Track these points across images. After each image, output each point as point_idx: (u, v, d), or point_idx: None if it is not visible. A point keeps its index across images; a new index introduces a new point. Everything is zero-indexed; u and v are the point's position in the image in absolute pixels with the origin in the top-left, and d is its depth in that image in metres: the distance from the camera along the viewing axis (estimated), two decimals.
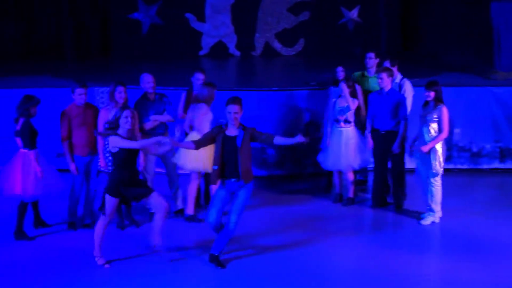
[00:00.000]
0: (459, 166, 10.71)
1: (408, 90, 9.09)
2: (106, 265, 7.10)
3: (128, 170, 7.05)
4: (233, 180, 7.03)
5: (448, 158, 10.33)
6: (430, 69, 12.07)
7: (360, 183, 9.64)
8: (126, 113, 7.02)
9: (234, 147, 6.97)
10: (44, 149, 8.08)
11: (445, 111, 8.15)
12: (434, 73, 11.33)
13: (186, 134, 8.53)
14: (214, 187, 7.40)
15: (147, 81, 8.40)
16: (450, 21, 14.01)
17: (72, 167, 7.99)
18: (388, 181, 9.09)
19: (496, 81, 11.08)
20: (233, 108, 6.96)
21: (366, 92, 9.24)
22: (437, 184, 8.26)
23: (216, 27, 15.48)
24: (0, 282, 6.78)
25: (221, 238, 7.11)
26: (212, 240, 7.18)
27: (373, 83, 9.31)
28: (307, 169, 10.53)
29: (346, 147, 8.87)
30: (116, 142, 6.92)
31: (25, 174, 7.69)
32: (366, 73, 9.49)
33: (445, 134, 8.16)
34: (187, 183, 8.50)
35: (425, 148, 8.15)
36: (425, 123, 8.23)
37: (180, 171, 8.75)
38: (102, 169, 8.13)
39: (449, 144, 10.32)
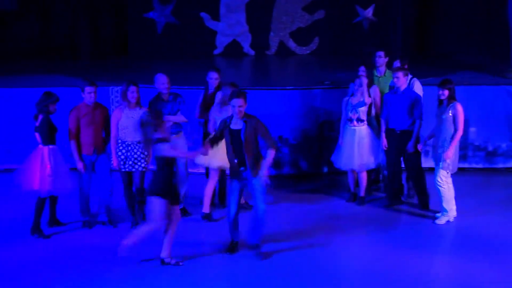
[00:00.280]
0: (474, 166, 10.66)
1: (418, 89, 9.03)
2: (180, 263, 7.10)
3: (173, 171, 7.06)
4: (241, 169, 7.18)
5: (463, 157, 10.30)
6: (445, 68, 12.01)
7: (374, 182, 9.62)
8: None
9: (239, 140, 7.13)
10: (60, 147, 8.13)
11: (459, 108, 8.13)
12: (449, 72, 11.27)
13: (207, 135, 8.55)
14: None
15: (162, 82, 8.42)
16: (465, 20, 13.95)
17: (80, 165, 8.03)
18: (402, 181, 9.05)
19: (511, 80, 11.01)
20: (238, 102, 7.11)
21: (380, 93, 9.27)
22: (445, 183, 8.22)
23: (231, 26, 15.49)
24: (14, 278, 6.85)
25: (257, 228, 7.31)
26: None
27: (382, 82, 9.31)
28: (321, 168, 10.52)
29: (360, 146, 8.85)
30: (166, 151, 6.90)
31: (43, 170, 7.79)
32: (375, 72, 9.47)
33: (460, 131, 8.13)
34: (197, 183, 8.50)
35: (450, 154, 8.11)
36: (441, 122, 8.21)
37: (191, 171, 8.79)
38: (114, 168, 8.19)
39: (464, 143, 10.28)
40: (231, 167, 7.31)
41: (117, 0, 15.51)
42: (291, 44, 15.66)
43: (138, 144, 8.08)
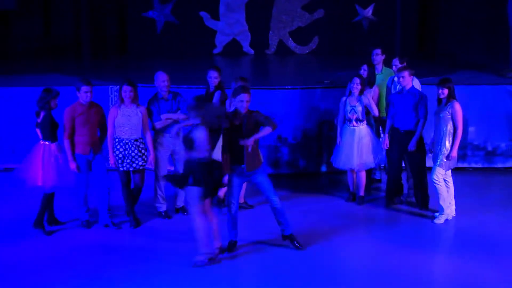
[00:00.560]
0: (473, 165, 10.66)
1: (416, 88, 9.03)
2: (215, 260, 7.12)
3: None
4: (242, 166, 7.19)
5: (462, 157, 10.30)
6: (445, 68, 12.01)
7: (374, 182, 9.62)
8: None
9: (241, 135, 7.14)
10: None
11: (458, 107, 8.13)
12: (449, 72, 11.27)
13: None
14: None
15: (162, 80, 8.41)
16: (465, 19, 13.96)
17: (73, 165, 7.99)
18: (402, 181, 9.05)
19: (511, 80, 11.00)
20: (245, 97, 7.16)
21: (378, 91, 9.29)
22: (441, 181, 8.21)
23: (230, 25, 15.51)
24: (16, 276, 6.85)
25: (281, 219, 7.40)
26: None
27: (379, 79, 9.32)
28: (320, 168, 10.53)
29: (359, 145, 8.84)
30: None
31: (46, 165, 7.83)
32: (373, 70, 9.47)
33: (460, 130, 8.14)
34: None
35: (454, 153, 8.11)
36: (439, 120, 8.22)
37: None
38: (111, 167, 8.19)
39: (463, 143, 10.27)
40: (231, 164, 7.27)
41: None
42: (291, 43, 15.66)
43: (135, 142, 8.10)
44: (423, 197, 8.74)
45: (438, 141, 8.24)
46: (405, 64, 8.96)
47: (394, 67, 9.12)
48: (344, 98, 8.94)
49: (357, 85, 8.78)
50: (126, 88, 8.08)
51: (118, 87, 8.33)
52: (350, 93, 8.88)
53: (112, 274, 6.92)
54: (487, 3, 13.69)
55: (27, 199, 8.87)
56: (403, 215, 8.69)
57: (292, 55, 15.49)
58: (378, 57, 9.42)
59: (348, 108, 8.85)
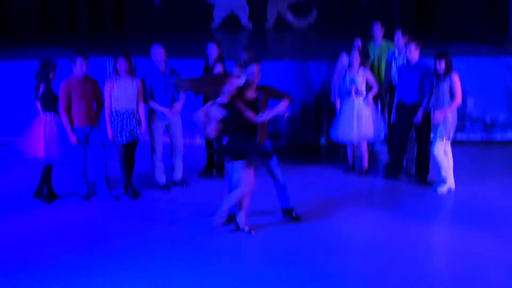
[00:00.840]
0: (472, 137, 10.67)
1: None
2: (253, 232, 7.16)
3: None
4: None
5: (461, 129, 10.31)
6: (444, 40, 11.96)
7: (373, 154, 9.63)
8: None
9: (256, 110, 7.07)
10: None
11: (456, 79, 8.12)
12: (448, 44, 11.23)
13: None
14: None
15: (159, 53, 8.38)
16: None
17: (73, 138, 7.99)
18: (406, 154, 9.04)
19: (511, 52, 10.96)
20: (256, 68, 7.06)
21: (373, 63, 9.26)
22: (442, 153, 8.23)
23: None
24: (14, 248, 6.89)
25: (283, 193, 7.46)
26: None
27: (378, 52, 9.31)
28: (319, 140, 10.53)
29: (358, 118, 8.83)
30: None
31: (47, 137, 7.89)
32: (372, 44, 9.44)
33: (458, 100, 8.13)
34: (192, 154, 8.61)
35: (439, 116, 8.12)
36: (438, 93, 8.20)
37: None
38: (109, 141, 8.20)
39: (462, 115, 10.27)
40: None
41: None
42: (289, 17, 15.58)
43: (132, 113, 8.12)
44: (424, 170, 8.75)
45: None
46: (400, 35, 8.93)
47: (395, 38, 9.05)
48: (343, 70, 8.92)
49: (356, 57, 8.75)
50: (121, 61, 8.05)
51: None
52: (350, 65, 8.86)
53: (111, 245, 6.97)
54: None
55: (26, 172, 8.90)
56: (403, 186, 8.72)
57: (291, 29, 15.41)
58: (378, 31, 9.37)
59: (348, 80, 8.83)
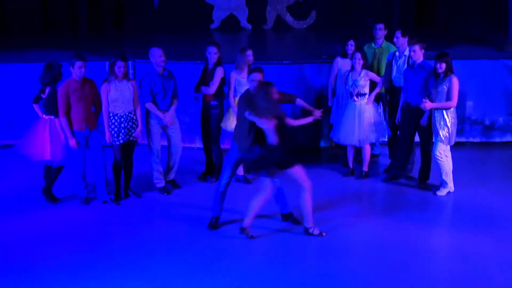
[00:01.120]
0: (471, 140, 10.68)
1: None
2: (323, 234, 7.21)
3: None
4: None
5: (460, 131, 10.30)
6: (444, 41, 11.96)
7: (372, 157, 9.63)
8: None
9: None
10: None
11: (455, 81, 8.13)
12: (448, 45, 11.23)
13: (205, 109, 8.76)
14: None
15: (158, 55, 8.36)
16: None
17: (72, 142, 7.99)
18: (411, 156, 9.02)
19: (510, 54, 10.96)
20: (257, 76, 7.21)
21: (373, 64, 9.26)
22: (443, 156, 8.25)
23: (228, 0, 15.40)
24: (13, 252, 6.89)
25: (280, 198, 7.49)
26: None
27: (379, 53, 9.32)
28: (319, 143, 10.52)
29: (360, 120, 8.83)
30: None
31: (53, 139, 7.93)
32: (373, 45, 9.44)
33: (453, 103, 8.14)
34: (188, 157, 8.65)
35: (428, 104, 8.12)
36: (437, 94, 8.21)
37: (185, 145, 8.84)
38: (108, 143, 8.20)
39: (461, 117, 10.28)
40: (245, 142, 7.25)
41: None
42: (288, 18, 15.58)
43: (129, 115, 8.13)
44: (425, 173, 8.76)
45: (438, 116, 8.23)
46: (400, 36, 8.93)
47: (395, 38, 9.06)
48: (346, 72, 8.94)
49: (359, 60, 8.76)
50: (120, 64, 8.05)
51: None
52: (352, 68, 8.87)
53: (111, 247, 6.99)
54: None
55: (24, 174, 8.92)
56: (403, 189, 8.72)
57: (290, 30, 15.41)
58: (381, 31, 9.37)
59: (350, 82, 8.85)
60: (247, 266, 6.64)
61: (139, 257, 6.80)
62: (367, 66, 8.96)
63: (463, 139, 10.51)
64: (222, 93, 8.84)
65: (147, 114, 8.47)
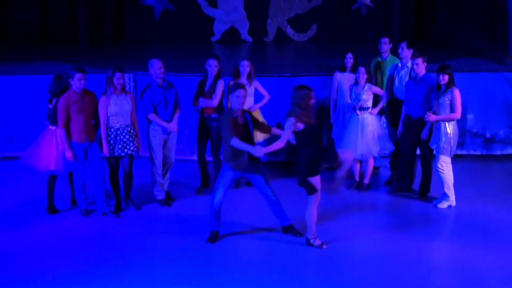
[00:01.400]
0: (472, 152, 10.67)
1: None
2: (324, 246, 7.21)
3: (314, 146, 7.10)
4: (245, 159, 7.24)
5: (461, 144, 10.29)
6: (444, 55, 11.98)
7: (374, 169, 9.62)
8: None
9: (248, 131, 7.20)
10: None
11: (457, 93, 8.14)
12: (448, 58, 11.24)
13: (202, 121, 8.78)
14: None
15: (158, 67, 8.37)
16: (464, 5, 13.89)
17: (69, 154, 7.98)
18: (414, 169, 9.00)
19: (510, 67, 10.97)
20: (242, 93, 7.21)
21: (377, 77, 9.28)
22: (445, 169, 8.24)
23: (228, 13, 15.43)
24: (12, 265, 6.86)
25: (278, 211, 7.52)
26: None
27: (384, 67, 9.30)
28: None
29: (363, 134, 8.83)
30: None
31: (59, 149, 7.99)
32: (379, 59, 9.45)
33: (457, 115, 8.15)
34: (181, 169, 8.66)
35: (432, 117, 8.12)
36: (438, 107, 8.21)
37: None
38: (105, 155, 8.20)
39: (462, 130, 10.27)
40: (240, 160, 7.24)
41: None
42: (289, 31, 15.60)
43: (126, 128, 8.13)
44: (426, 186, 8.74)
45: (438, 128, 8.23)
46: (405, 48, 8.94)
47: (400, 49, 9.05)
48: (351, 86, 8.96)
49: (363, 74, 8.78)
50: (118, 75, 8.06)
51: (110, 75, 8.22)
52: (356, 82, 8.87)
53: (108, 262, 6.96)
54: None
55: (24, 187, 8.90)
56: (404, 201, 8.71)
57: (291, 43, 15.44)
58: (386, 45, 9.38)
59: (353, 96, 8.85)
60: (247, 279, 6.61)
61: (138, 269, 6.78)
62: (371, 80, 8.97)
63: (464, 152, 10.51)
64: (222, 106, 8.86)
65: (148, 126, 8.46)
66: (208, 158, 9.04)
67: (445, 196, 8.39)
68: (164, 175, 8.62)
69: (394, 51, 9.36)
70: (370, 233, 7.70)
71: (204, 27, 15.37)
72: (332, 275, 6.65)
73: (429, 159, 8.67)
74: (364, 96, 8.79)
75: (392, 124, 9.19)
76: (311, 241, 7.24)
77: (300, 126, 6.93)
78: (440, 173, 8.29)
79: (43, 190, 8.34)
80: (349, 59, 9.25)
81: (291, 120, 6.92)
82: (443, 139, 8.20)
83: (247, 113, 7.34)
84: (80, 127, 7.98)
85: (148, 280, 6.56)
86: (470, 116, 10.52)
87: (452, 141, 8.22)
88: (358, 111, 8.84)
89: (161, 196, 8.59)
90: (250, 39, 15.53)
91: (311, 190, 7.06)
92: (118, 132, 8.11)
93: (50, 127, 8.08)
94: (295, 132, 7.01)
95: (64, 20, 15.02)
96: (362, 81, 8.81)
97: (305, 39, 15.60)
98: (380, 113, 9.19)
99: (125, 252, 7.18)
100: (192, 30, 15.23)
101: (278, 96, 10.26)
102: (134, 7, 15.31)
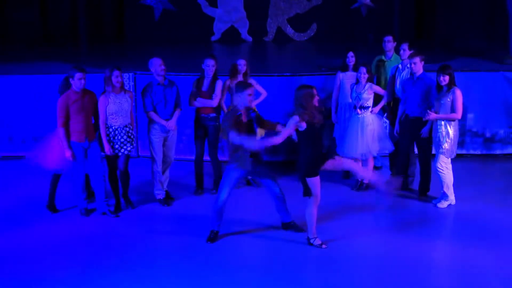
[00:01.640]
0: (472, 152, 10.67)
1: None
2: (324, 246, 7.21)
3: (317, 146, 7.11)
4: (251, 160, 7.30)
5: (461, 144, 10.29)
6: (444, 54, 11.99)
7: (375, 168, 9.63)
8: None
9: (251, 130, 7.22)
10: None
11: (458, 93, 8.14)
12: (448, 58, 11.25)
13: (198, 121, 8.74)
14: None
15: (158, 65, 8.38)
16: (464, 5, 13.90)
17: (68, 153, 7.98)
18: (410, 167, 9.01)
19: (510, 66, 10.97)
20: (252, 91, 7.29)
21: (381, 76, 9.27)
22: (445, 169, 8.24)
23: (228, 13, 15.44)
24: (12, 265, 6.86)
25: (282, 207, 7.54)
26: None
27: (389, 66, 9.30)
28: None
29: (363, 133, 8.83)
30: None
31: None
32: (383, 57, 9.44)
33: (458, 115, 8.15)
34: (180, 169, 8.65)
35: (432, 116, 8.12)
36: (440, 107, 8.21)
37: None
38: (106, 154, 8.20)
39: (462, 130, 10.27)
40: (243, 157, 7.27)
41: None
42: (289, 30, 15.61)
43: (125, 128, 8.13)
44: (425, 185, 8.74)
45: (439, 128, 8.23)
46: (407, 48, 8.94)
47: (402, 51, 9.05)
48: (351, 85, 8.95)
49: (364, 74, 8.77)
50: (116, 73, 8.06)
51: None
52: (357, 82, 8.87)
53: (107, 262, 6.95)
54: None
55: (24, 187, 8.90)
56: (404, 201, 8.70)
57: (291, 42, 15.44)
58: (390, 44, 9.36)
59: (354, 95, 8.85)
60: (247, 278, 6.61)
61: (138, 269, 6.77)
62: (372, 80, 8.97)
63: (464, 151, 10.50)
64: (219, 106, 8.87)
65: (149, 124, 8.47)
66: (206, 158, 9.03)
67: (444, 196, 8.40)
68: (163, 172, 8.61)
69: (397, 50, 9.35)
70: (370, 233, 7.69)
71: (204, 26, 15.38)
72: (332, 275, 6.65)
73: (428, 158, 8.67)
74: (364, 95, 8.79)
75: (393, 124, 9.19)
76: (311, 241, 7.25)
77: (303, 125, 6.94)
78: (440, 173, 8.29)
79: (42, 190, 8.34)
80: (351, 57, 9.24)
81: (295, 118, 6.93)
82: (444, 140, 8.20)
83: (253, 111, 7.34)
84: (79, 127, 7.98)
85: (148, 280, 6.55)
86: (470, 116, 10.52)
87: (453, 142, 8.21)
88: (358, 110, 8.84)
89: (161, 195, 8.59)
90: (250, 38, 15.54)
91: (307, 191, 7.06)
92: (116, 132, 8.11)
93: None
94: (297, 132, 7.01)
95: (64, 20, 15.03)
96: (363, 80, 8.80)
97: (305, 38, 15.60)
98: (383, 111, 9.18)
99: (125, 252, 7.18)
100: (192, 29, 15.24)
101: (278, 96, 10.28)
102: (134, 7, 15.32)
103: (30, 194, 8.80)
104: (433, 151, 8.52)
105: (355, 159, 8.97)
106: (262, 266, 6.93)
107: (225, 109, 8.94)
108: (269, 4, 15.53)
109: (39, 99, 10.40)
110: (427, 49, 12.43)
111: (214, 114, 8.81)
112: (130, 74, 10.37)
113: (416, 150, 8.94)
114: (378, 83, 9.30)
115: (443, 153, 8.22)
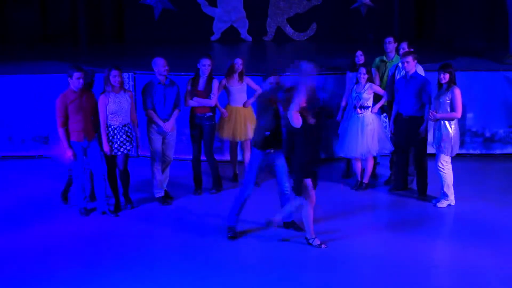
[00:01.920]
0: (471, 151, 10.67)
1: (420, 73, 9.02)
2: (323, 246, 7.22)
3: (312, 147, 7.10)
4: (273, 151, 7.30)
5: (461, 143, 10.25)
6: (444, 54, 11.99)
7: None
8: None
9: (279, 119, 7.27)
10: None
11: (457, 93, 8.14)
12: (448, 58, 11.24)
13: (193, 119, 8.80)
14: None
15: (162, 65, 8.37)
16: (464, 5, 13.90)
17: (69, 153, 7.99)
18: (408, 167, 9.01)
19: (510, 66, 10.98)
20: (275, 79, 7.47)
21: (383, 76, 9.26)
22: (446, 168, 8.25)
23: (228, 12, 15.45)
24: (12, 264, 6.87)
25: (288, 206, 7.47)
26: None
27: (390, 67, 9.29)
28: (321, 155, 10.50)
29: (363, 133, 8.83)
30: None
31: None
32: (385, 58, 9.45)
33: (458, 114, 8.15)
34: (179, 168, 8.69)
35: (434, 116, 8.13)
36: (439, 106, 8.22)
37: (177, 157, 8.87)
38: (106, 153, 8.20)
39: (462, 129, 10.27)
40: (260, 132, 7.30)
41: None
42: (289, 30, 15.61)
43: (124, 127, 8.13)
44: (423, 184, 8.75)
45: (439, 127, 8.24)
46: (406, 48, 8.94)
47: (401, 50, 9.05)
48: (352, 86, 8.94)
49: (363, 74, 8.77)
50: (115, 73, 8.05)
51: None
52: (357, 82, 8.88)
53: (107, 262, 6.95)
54: None
55: (24, 187, 8.91)
56: (403, 200, 8.71)
57: (290, 42, 15.45)
58: (391, 45, 9.35)
59: (354, 94, 8.86)
60: (247, 278, 6.61)
61: (137, 269, 6.77)
62: (373, 80, 8.97)
63: (463, 151, 10.50)
64: (215, 105, 8.88)
65: (148, 123, 8.48)
66: (203, 157, 9.02)
67: (444, 195, 8.40)
68: (163, 172, 8.61)
69: (398, 51, 9.35)
70: (369, 233, 7.69)
71: (203, 26, 15.38)
72: (332, 275, 6.65)
73: (423, 157, 8.68)
74: (364, 95, 8.79)
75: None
76: (311, 241, 7.25)
77: (298, 120, 6.91)
78: (440, 172, 8.30)
79: (42, 190, 8.34)
80: (360, 56, 9.19)
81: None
82: (444, 138, 8.21)
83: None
84: (78, 126, 7.98)
85: (148, 279, 6.55)
86: (469, 116, 10.52)
87: (453, 141, 8.22)
88: (358, 110, 8.85)
89: (160, 193, 8.58)
90: (249, 38, 15.55)
91: (299, 191, 7.06)
92: (115, 131, 8.11)
93: None
94: (294, 131, 6.99)
95: (64, 20, 15.04)
96: (363, 81, 8.80)
97: (305, 38, 15.61)
98: (381, 110, 9.18)
99: (125, 251, 7.17)
100: (191, 29, 15.25)
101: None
102: (134, 7, 15.33)
103: (30, 194, 8.81)
104: (434, 150, 8.52)
105: (355, 159, 9.01)
106: (262, 266, 6.93)
107: (221, 109, 8.95)
108: (269, 4, 15.54)
109: (39, 99, 10.40)
110: (427, 49, 12.47)
111: (210, 113, 8.81)
112: (130, 73, 10.37)
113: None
114: (380, 84, 9.27)
115: (443, 151, 8.23)
